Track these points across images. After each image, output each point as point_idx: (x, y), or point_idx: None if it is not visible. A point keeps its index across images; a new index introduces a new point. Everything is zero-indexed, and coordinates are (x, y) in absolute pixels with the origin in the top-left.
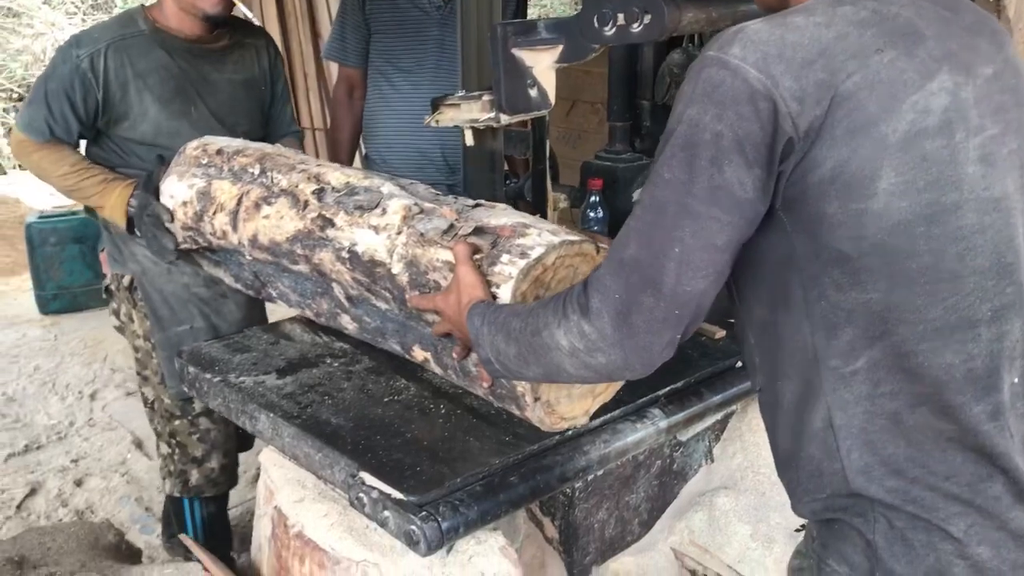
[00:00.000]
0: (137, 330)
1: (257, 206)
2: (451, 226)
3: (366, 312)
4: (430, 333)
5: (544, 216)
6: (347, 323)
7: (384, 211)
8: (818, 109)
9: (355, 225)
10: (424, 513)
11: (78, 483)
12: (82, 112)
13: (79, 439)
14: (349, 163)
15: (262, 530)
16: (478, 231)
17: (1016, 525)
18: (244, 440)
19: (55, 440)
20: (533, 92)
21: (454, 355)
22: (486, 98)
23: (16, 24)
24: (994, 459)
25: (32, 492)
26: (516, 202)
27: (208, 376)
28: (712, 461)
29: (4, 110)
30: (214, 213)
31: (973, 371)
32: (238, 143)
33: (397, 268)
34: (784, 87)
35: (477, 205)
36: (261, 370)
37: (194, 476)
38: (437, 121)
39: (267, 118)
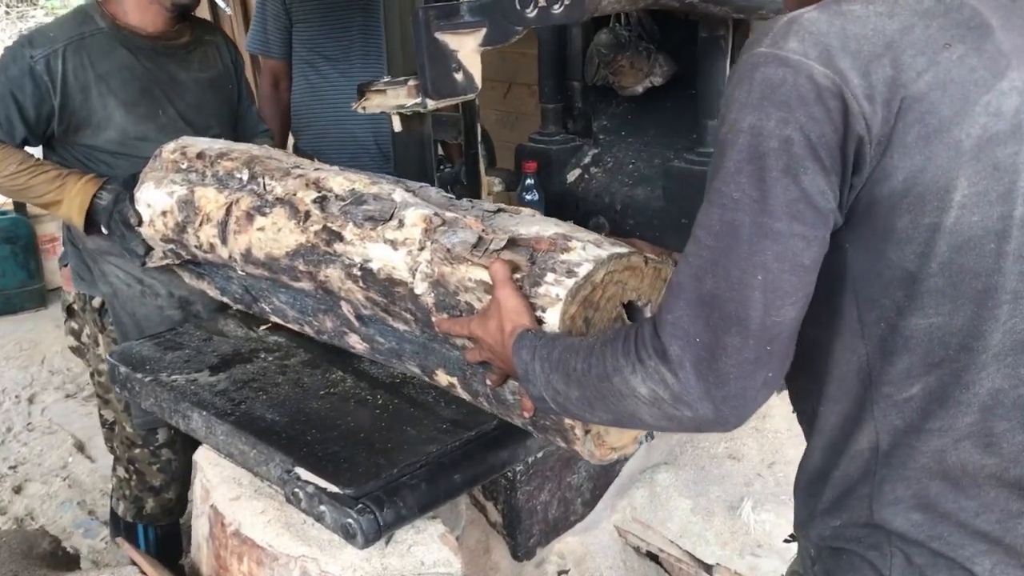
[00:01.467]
0: (102, 353)
1: (249, 217)
2: (480, 239)
3: (379, 332)
4: (457, 357)
5: (478, 197)
6: (355, 343)
7: (401, 223)
8: (888, 110)
9: (367, 239)
10: (360, 506)
11: (17, 490)
12: (32, 117)
13: (18, 444)
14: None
15: (200, 530)
16: (511, 244)
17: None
18: None
19: None
20: (459, 76)
21: (488, 382)
22: (412, 83)
23: None
24: (1004, 488)
25: None
26: (452, 187)
27: (139, 376)
28: (652, 438)
29: None
30: (200, 224)
31: (1022, 397)
32: (220, 145)
33: (421, 288)
34: (854, 84)
35: (499, 211)
36: (193, 368)
37: (149, 504)
38: (364, 108)
39: (237, 126)
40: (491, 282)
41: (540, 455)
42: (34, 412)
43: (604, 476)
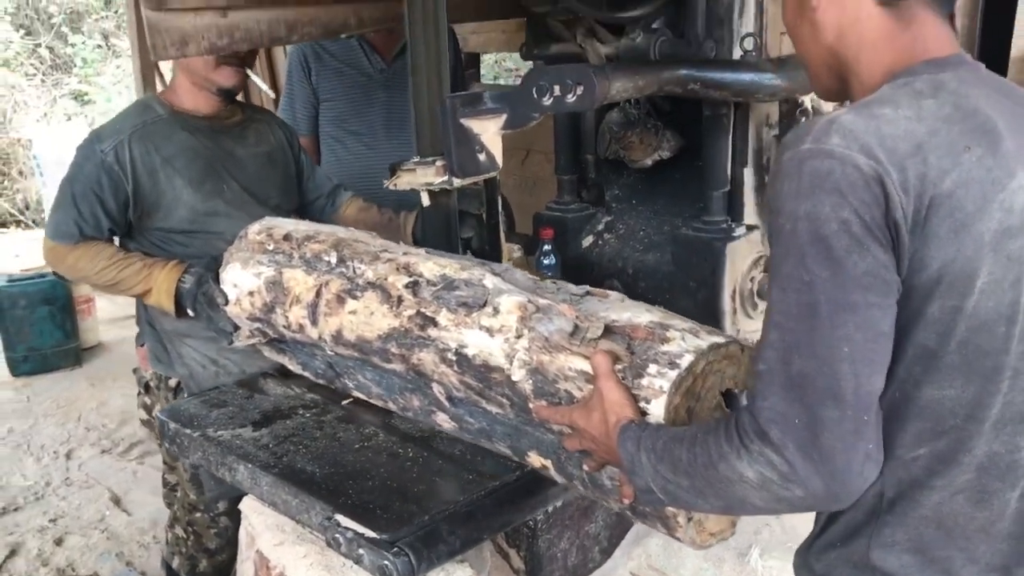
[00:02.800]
0: None
1: (340, 300)
2: (576, 327)
3: (468, 412)
4: (551, 440)
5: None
6: (443, 421)
7: (496, 310)
8: (920, 203)
9: (463, 325)
10: (396, 549)
11: (58, 542)
12: (113, 208)
13: (56, 498)
14: None
15: (245, 574)
16: (608, 332)
17: None
18: None
19: (32, 501)
20: (482, 156)
21: (586, 467)
22: (439, 163)
23: None
24: (1021, 545)
25: (12, 553)
26: (473, 253)
27: (188, 432)
28: None
29: None
30: (289, 305)
31: (1017, 461)
32: (306, 227)
33: (518, 375)
34: (892, 175)
35: (586, 294)
36: (237, 423)
37: (203, 564)
38: (395, 185)
39: (304, 189)
40: (593, 372)
41: (560, 504)
42: (71, 467)
43: (620, 525)
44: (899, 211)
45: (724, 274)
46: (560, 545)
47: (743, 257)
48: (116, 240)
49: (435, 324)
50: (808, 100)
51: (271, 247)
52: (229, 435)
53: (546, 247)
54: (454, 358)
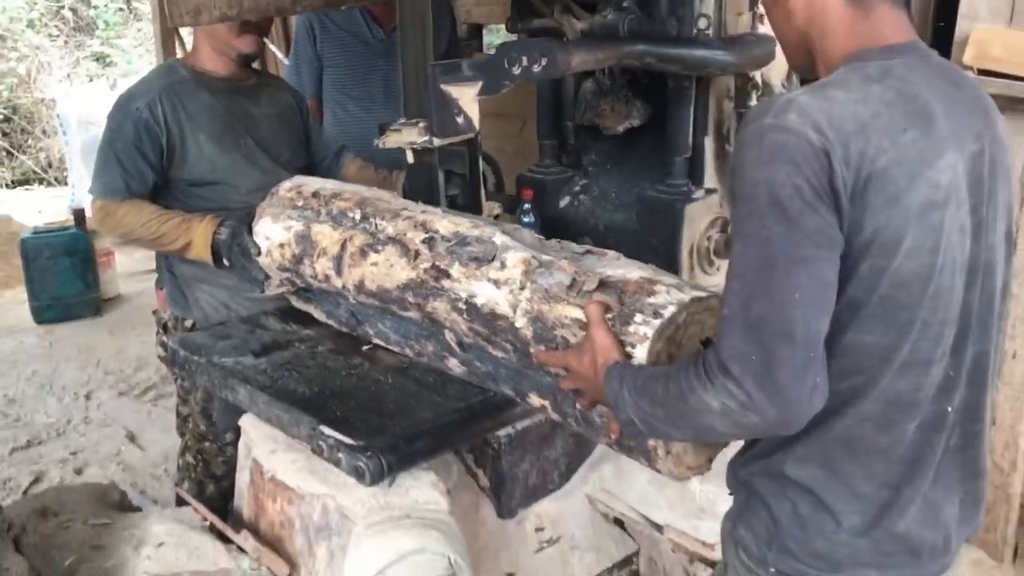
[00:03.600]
0: None
1: (363, 253)
2: (574, 280)
3: (477, 357)
4: (549, 383)
5: None
6: (454, 365)
7: (503, 264)
8: (858, 176)
9: (473, 278)
10: (369, 453)
11: (78, 472)
12: (154, 160)
13: (76, 435)
14: None
15: (242, 480)
16: (602, 285)
17: (898, 530)
18: None
19: (55, 436)
20: (460, 119)
21: (578, 406)
22: (422, 124)
23: (0, 47)
24: (912, 468)
25: (36, 480)
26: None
27: (196, 358)
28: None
29: None
30: (316, 257)
31: (918, 398)
32: (333, 185)
33: (521, 323)
34: (836, 151)
35: (586, 252)
36: (240, 353)
37: (210, 488)
38: (384, 143)
39: (312, 150)
40: (586, 320)
41: (520, 428)
42: (91, 407)
43: (578, 453)
44: (840, 181)
45: (683, 233)
46: (522, 466)
47: (701, 218)
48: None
49: (448, 276)
50: (759, 75)
51: (300, 203)
52: (232, 362)
53: (526, 206)
54: (464, 307)
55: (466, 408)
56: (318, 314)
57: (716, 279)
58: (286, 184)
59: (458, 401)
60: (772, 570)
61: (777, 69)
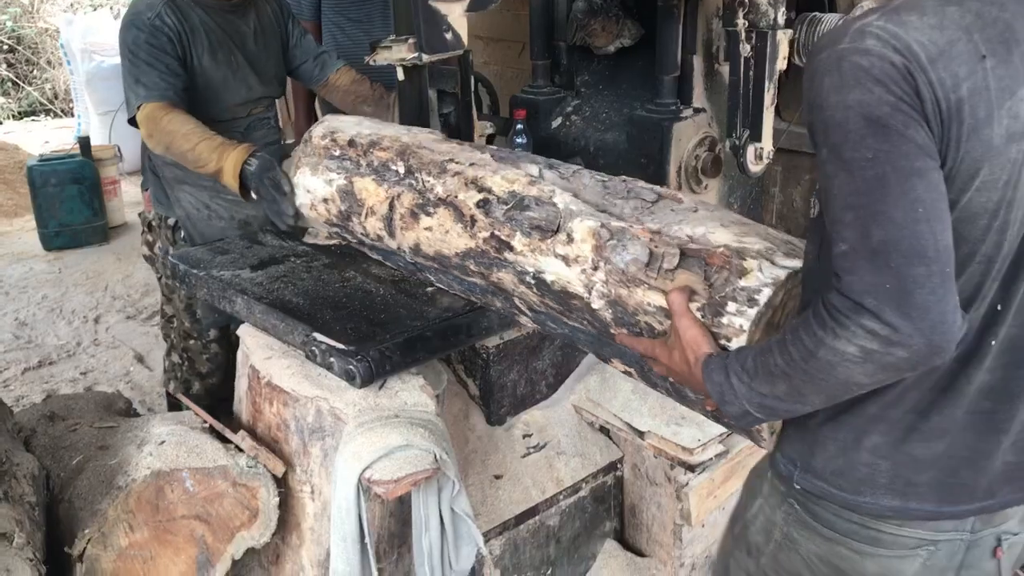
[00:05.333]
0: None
1: (414, 215)
2: (651, 255)
3: (551, 320)
4: (632, 353)
5: (471, 139)
6: (526, 321)
7: (570, 237)
8: (940, 105)
9: (538, 252)
10: (359, 356)
11: (87, 390)
12: (179, 58)
13: (86, 356)
14: (310, 104)
15: (241, 386)
16: (684, 259)
17: (921, 457)
18: None
19: (65, 357)
20: (448, 35)
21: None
22: (411, 41)
23: None
24: (943, 397)
25: (48, 397)
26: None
27: (196, 271)
28: None
29: None
30: (364, 216)
31: (969, 331)
32: (369, 130)
33: (598, 304)
34: (920, 76)
35: (659, 199)
36: (237, 267)
37: (196, 386)
38: (374, 60)
39: (291, 55)
40: (669, 310)
41: (508, 339)
42: (99, 330)
43: (565, 365)
44: (929, 105)
45: (671, 151)
46: (510, 376)
47: (688, 136)
48: None
49: (511, 248)
50: None
51: (337, 152)
52: (230, 275)
53: (519, 127)
54: (532, 282)
55: (454, 317)
56: (377, 256)
57: (704, 198)
58: (318, 130)
59: (446, 312)
60: (797, 487)
61: None
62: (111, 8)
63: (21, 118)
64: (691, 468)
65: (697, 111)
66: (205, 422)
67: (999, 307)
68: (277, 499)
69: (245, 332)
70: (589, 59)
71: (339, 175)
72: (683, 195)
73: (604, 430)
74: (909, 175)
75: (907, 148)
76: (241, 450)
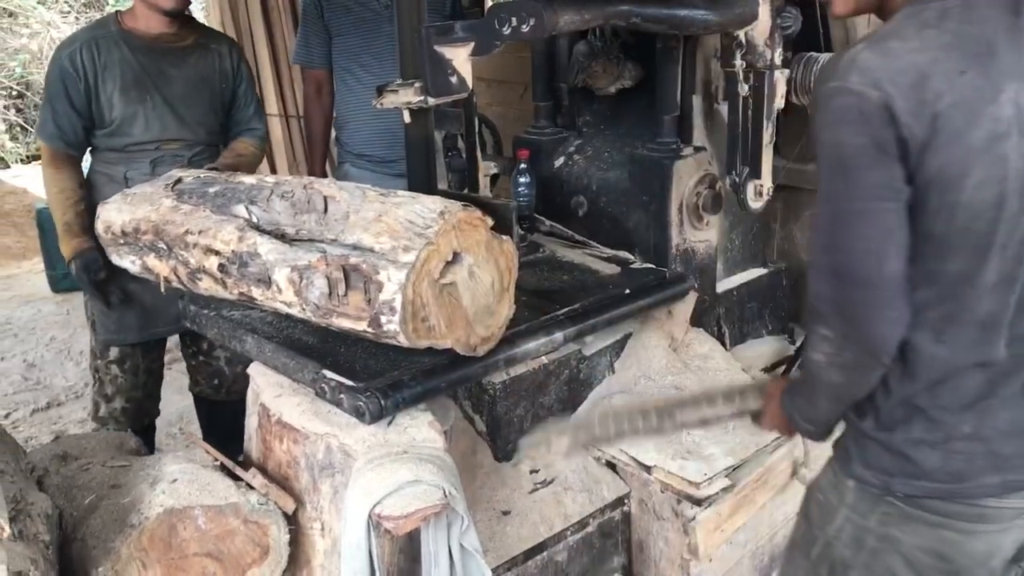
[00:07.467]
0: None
1: (193, 281)
2: (328, 285)
3: None
4: None
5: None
6: None
7: (279, 287)
8: (924, 123)
9: (271, 300)
10: (369, 393)
11: (96, 430)
12: (78, 104)
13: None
14: (325, 148)
15: (251, 425)
16: (349, 279)
17: (961, 431)
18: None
19: (73, 398)
20: (453, 79)
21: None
22: (417, 84)
23: (12, 24)
24: (993, 376)
25: (57, 438)
26: (453, 169)
27: (206, 312)
28: (613, 372)
29: (4, 107)
30: (175, 280)
31: (1003, 314)
32: (127, 216)
33: (340, 330)
34: (899, 104)
35: (322, 202)
36: (247, 305)
37: (102, 408)
38: (381, 104)
39: (228, 118)
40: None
41: (514, 375)
42: None
43: (571, 400)
44: (905, 130)
45: (672, 189)
46: (516, 412)
47: (689, 174)
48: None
49: (255, 301)
50: (743, 34)
51: (121, 241)
52: (240, 315)
53: (522, 166)
54: (299, 314)
55: (460, 354)
56: None
57: (705, 235)
58: (99, 224)
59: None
60: (899, 493)
61: (760, 28)
62: None
63: (29, 162)
64: (698, 502)
65: (697, 149)
66: (216, 460)
67: None
68: (288, 536)
69: (255, 371)
70: (591, 100)
71: (134, 257)
72: (326, 186)
73: (611, 465)
74: (858, 215)
75: (858, 191)
76: (252, 487)
